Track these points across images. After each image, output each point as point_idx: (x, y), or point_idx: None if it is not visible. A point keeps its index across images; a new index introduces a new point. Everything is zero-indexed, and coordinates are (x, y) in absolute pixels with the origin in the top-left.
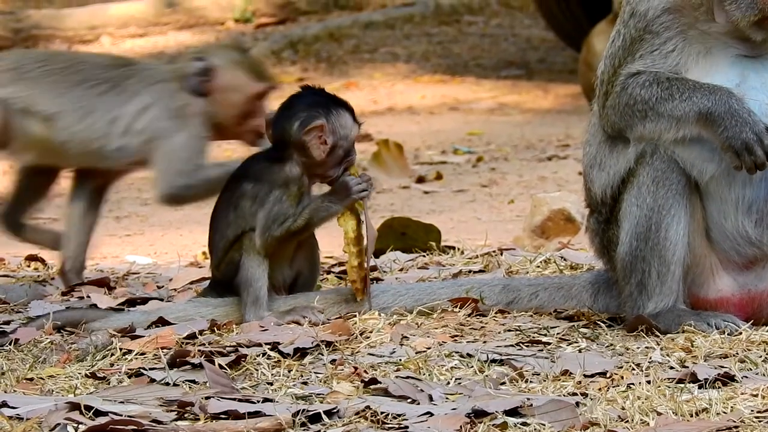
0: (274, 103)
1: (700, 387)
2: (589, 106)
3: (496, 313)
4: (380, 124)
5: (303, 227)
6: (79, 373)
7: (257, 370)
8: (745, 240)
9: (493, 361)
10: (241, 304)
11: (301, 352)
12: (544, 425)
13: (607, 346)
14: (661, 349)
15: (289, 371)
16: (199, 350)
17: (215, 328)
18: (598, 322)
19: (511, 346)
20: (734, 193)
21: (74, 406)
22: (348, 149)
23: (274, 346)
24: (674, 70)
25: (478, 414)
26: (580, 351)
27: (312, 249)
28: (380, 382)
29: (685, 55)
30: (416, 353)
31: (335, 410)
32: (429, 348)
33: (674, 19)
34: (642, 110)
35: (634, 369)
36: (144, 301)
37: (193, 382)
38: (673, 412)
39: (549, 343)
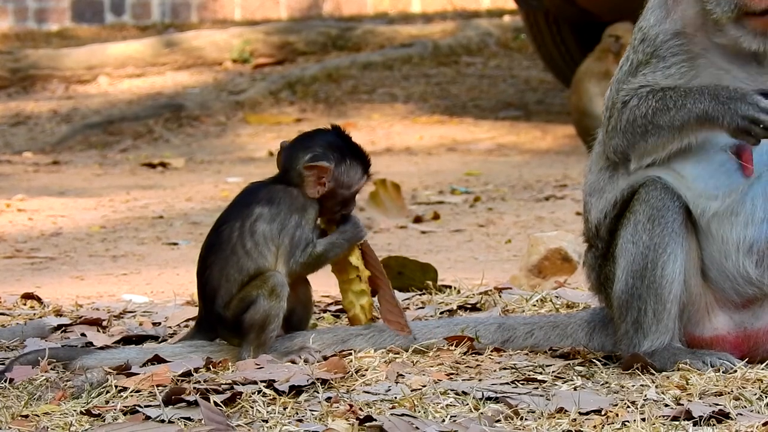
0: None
1: (695, 424)
2: (586, 146)
3: (491, 351)
4: (378, 165)
5: (318, 261)
6: (75, 410)
7: (252, 407)
8: (745, 280)
9: (489, 398)
10: (243, 344)
11: (296, 390)
12: None
13: (603, 384)
14: (656, 386)
15: (285, 409)
16: (194, 388)
17: (210, 366)
18: (594, 360)
19: (507, 384)
20: (735, 233)
21: None
22: (347, 199)
23: (270, 383)
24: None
25: None
26: (575, 389)
27: (305, 286)
28: (375, 420)
29: (686, 81)
30: (412, 391)
31: None
32: (424, 386)
33: (684, 44)
34: (642, 125)
35: (629, 407)
36: (140, 338)
37: (189, 419)
38: None
39: (544, 381)
